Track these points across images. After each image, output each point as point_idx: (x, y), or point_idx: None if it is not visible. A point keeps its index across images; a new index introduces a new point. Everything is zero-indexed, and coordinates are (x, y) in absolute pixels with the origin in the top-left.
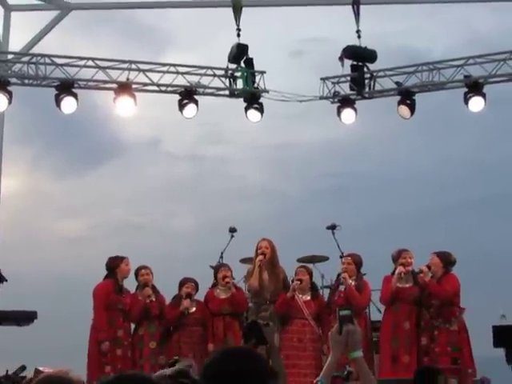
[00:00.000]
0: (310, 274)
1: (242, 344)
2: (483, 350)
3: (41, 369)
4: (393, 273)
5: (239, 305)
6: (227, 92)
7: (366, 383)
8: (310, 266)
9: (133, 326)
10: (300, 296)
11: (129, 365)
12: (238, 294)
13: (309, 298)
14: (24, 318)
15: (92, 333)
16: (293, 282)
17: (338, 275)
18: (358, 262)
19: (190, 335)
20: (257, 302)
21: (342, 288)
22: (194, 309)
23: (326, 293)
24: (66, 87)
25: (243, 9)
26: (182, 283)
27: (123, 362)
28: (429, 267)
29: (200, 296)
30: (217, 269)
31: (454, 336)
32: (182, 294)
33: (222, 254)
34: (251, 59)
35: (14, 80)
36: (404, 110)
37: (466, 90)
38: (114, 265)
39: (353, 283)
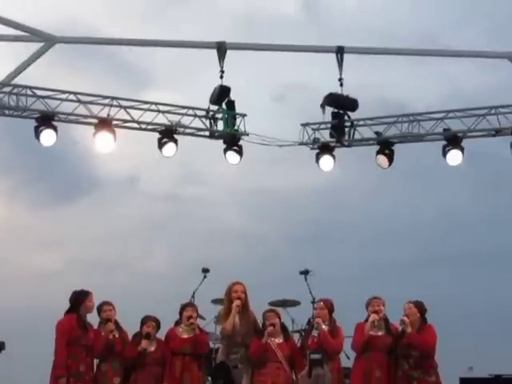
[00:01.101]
0: (279, 316)
1: None
2: None
3: None
4: (366, 320)
5: (201, 346)
6: (207, 133)
7: None
8: (280, 309)
9: (95, 361)
10: (272, 339)
11: None
12: (201, 335)
13: (281, 340)
14: None
15: (52, 370)
16: (263, 326)
17: (309, 320)
18: (330, 307)
19: (147, 374)
20: (227, 344)
21: (315, 333)
22: (152, 348)
23: (296, 337)
24: (46, 119)
25: (227, 51)
26: (143, 322)
27: None
28: (407, 316)
29: (162, 334)
30: (183, 307)
31: None
32: (142, 333)
33: (193, 293)
34: (233, 101)
35: None
36: (382, 160)
37: (444, 143)
38: (79, 301)
39: (326, 328)
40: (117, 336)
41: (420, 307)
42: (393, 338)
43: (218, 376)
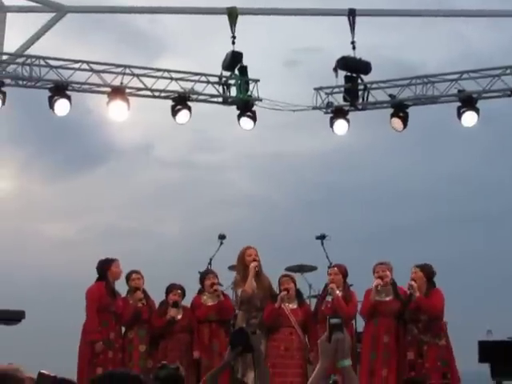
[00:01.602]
0: (295, 282)
1: (227, 351)
2: (468, 365)
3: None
4: None
5: (226, 312)
6: (220, 99)
7: None
8: (298, 275)
9: (123, 329)
10: (287, 304)
11: (119, 367)
12: (226, 301)
13: (295, 306)
14: (12, 316)
15: (83, 335)
16: (279, 291)
17: (326, 285)
18: (344, 272)
19: (176, 342)
20: (246, 309)
21: (329, 298)
22: (180, 316)
23: (313, 303)
24: (59, 89)
25: (239, 17)
26: (169, 290)
27: (114, 365)
28: (414, 281)
29: (187, 301)
30: (203, 275)
31: (442, 351)
32: (168, 301)
33: (210, 260)
34: (245, 67)
35: (8, 81)
36: (397, 123)
37: (459, 104)
38: (105, 267)
39: (340, 294)
40: (145, 304)
41: (427, 271)
42: (401, 303)
43: (236, 342)
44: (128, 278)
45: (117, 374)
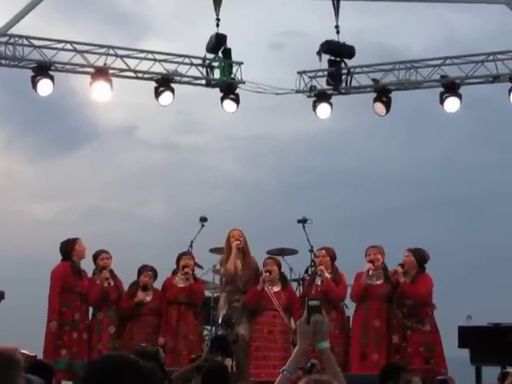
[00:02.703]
0: (279, 265)
1: (204, 352)
2: (448, 350)
3: (24, 352)
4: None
5: (196, 295)
6: (204, 81)
7: (331, 374)
8: (279, 258)
9: (91, 310)
10: (270, 287)
11: (85, 348)
12: (196, 284)
13: (279, 288)
14: None
15: (47, 315)
16: (262, 273)
17: (307, 269)
18: (332, 255)
19: (143, 325)
20: (229, 291)
21: (318, 281)
22: (149, 298)
23: (294, 286)
24: (42, 69)
25: None
26: (140, 271)
27: (79, 346)
28: (402, 265)
29: (160, 283)
30: (179, 257)
31: (426, 336)
32: (139, 283)
33: (191, 242)
34: (229, 50)
35: None
36: (379, 108)
37: (442, 89)
38: (69, 247)
39: (329, 276)
40: (112, 284)
41: (418, 255)
42: (392, 287)
43: (216, 348)
44: (96, 257)
45: (115, 358)
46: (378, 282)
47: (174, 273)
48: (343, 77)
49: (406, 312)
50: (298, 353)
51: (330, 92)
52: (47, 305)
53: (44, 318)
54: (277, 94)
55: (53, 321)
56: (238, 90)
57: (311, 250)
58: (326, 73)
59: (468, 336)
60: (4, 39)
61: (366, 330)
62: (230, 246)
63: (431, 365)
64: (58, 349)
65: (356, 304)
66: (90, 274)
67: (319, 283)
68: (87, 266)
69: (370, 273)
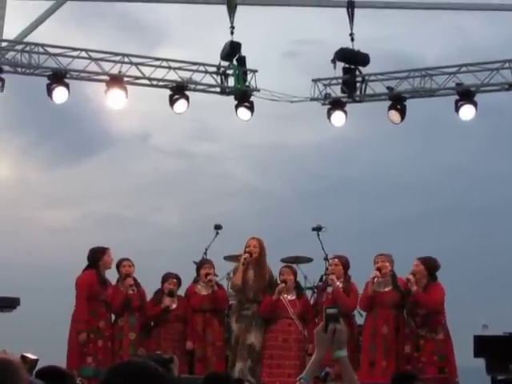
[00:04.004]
0: (295, 273)
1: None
2: (463, 359)
3: (27, 355)
4: None
5: (220, 302)
6: (218, 89)
7: (348, 383)
8: (294, 266)
9: (113, 316)
10: (285, 296)
11: (109, 356)
12: (219, 291)
13: (294, 297)
14: (6, 303)
15: (72, 323)
16: (277, 282)
17: (322, 277)
18: (345, 263)
19: (170, 331)
20: (239, 300)
21: (329, 289)
22: (174, 305)
23: (308, 294)
24: (58, 77)
25: (238, 7)
26: (165, 279)
27: (104, 353)
28: (413, 274)
29: (183, 291)
30: (200, 265)
31: (440, 345)
32: (163, 290)
33: (206, 250)
34: (244, 57)
35: (6, 68)
36: (394, 115)
37: (457, 97)
38: (97, 256)
39: (340, 285)
40: (135, 291)
41: (428, 264)
42: (401, 294)
43: None
44: (119, 265)
45: (134, 365)
46: (386, 290)
47: (196, 281)
48: (358, 84)
49: (419, 321)
50: (314, 361)
51: (344, 100)
52: (73, 313)
53: (61, 325)
54: (291, 101)
55: (82, 331)
56: (252, 98)
57: (326, 258)
58: (340, 80)
59: (484, 345)
60: (20, 47)
61: (375, 337)
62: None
63: (445, 374)
64: (84, 356)
65: (366, 312)
66: (113, 283)
67: (330, 291)
68: (108, 274)
69: (376, 280)
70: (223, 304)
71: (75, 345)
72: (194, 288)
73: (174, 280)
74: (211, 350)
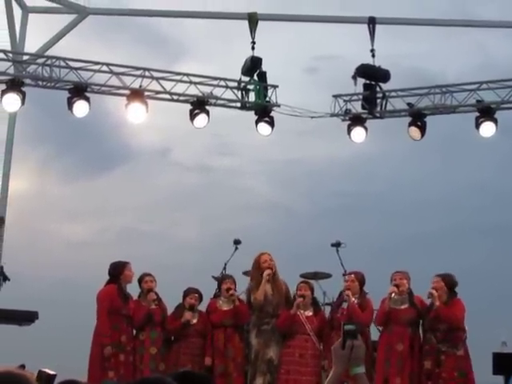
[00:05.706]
0: (312, 289)
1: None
2: (482, 376)
3: (45, 370)
4: None
5: (241, 317)
6: (239, 104)
7: None
8: (312, 282)
9: (134, 331)
10: (302, 311)
11: (131, 370)
12: (241, 306)
13: (311, 313)
14: (25, 317)
15: (95, 337)
16: (295, 297)
17: (340, 293)
18: (361, 279)
19: (189, 346)
20: (258, 315)
21: (344, 305)
22: (195, 320)
23: (327, 310)
24: (79, 91)
25: (259, 22)
26: (186, 293)
27: (126, 368)
28: (436, 290)
29: (203, 306)
30: (221, 280)
31: (460, 361)
32: (184, 305)
33: (225, 265)
34: (264, 73)
35: (28, 81)
36: (414, 132)
37: (477, 114)
38: (118, 270)
39: (356, 301)
40: (158, 306)
41: (448, 281)
42: (417, 312)
43: None
44: (141, 280)
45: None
46: (403, 307)
47: (216, 296)
48: (378, 101)
49: (440, 336)
50: (332, 377)
51: (364, 116)
52: (95, 327)
53: (80, 339)
54: (311, 117)
55: (107, 346)
56: (272, 113)
57: (345, 274)
58: (360, 96)
59: (503, 362)
60: (41, 61)
61: (389, 354)
62: (260, 270)
63: None
64: (106, 370)
65: (382, 328)
66: (134, 297)
67: (345, 307)
68: (130, 289)
69: (393, 296)
70: (245, 319)
71: (97, 359)
72: (215, 303)
73: (196, 295)
74: (232, 365)
